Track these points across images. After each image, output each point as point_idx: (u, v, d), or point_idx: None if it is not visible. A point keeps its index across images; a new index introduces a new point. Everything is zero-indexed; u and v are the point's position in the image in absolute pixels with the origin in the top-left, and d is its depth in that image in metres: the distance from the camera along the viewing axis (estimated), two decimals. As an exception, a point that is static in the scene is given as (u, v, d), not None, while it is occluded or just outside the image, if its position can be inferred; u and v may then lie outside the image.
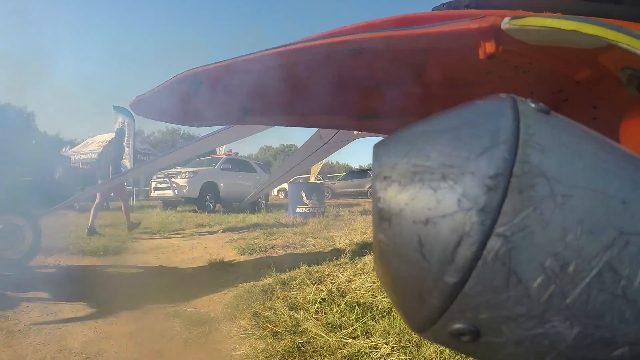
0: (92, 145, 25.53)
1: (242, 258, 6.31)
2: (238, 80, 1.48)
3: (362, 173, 31.22)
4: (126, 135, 17.79)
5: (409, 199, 0.47)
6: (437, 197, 0.45)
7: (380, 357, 2.68)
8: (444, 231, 0.44)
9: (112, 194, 10.12)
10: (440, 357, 2.61)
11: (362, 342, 2.86)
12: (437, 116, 0.55)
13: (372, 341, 2.86)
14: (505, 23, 0.80)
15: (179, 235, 9.06)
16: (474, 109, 0.53)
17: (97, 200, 9.26)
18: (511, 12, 0.91)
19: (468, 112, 0.52)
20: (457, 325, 0.46)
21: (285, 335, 2.99)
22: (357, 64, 1.32)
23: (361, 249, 6.16)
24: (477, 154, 0.46)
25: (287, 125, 2.17)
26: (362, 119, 1.92)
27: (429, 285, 0.46)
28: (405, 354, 2.69)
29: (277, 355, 2.71)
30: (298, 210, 12.73)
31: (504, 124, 0.47)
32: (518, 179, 0.44)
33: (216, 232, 9.46)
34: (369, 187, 27.92)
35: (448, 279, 0.44)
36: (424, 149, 0.49)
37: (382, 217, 0.50)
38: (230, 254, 6.56)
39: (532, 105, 0.51)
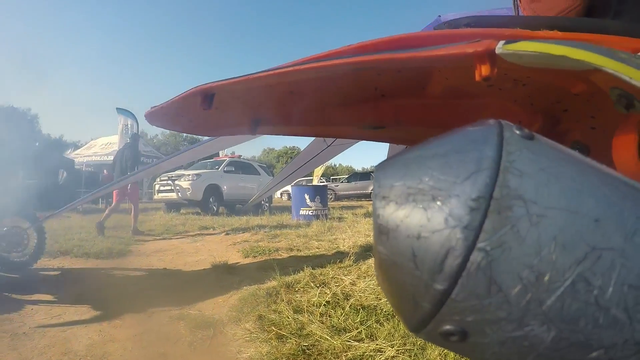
0: (95, 148, 25.67)
1: (246, 261, 6.32)
2: (250, 95, 1.50)
3: (365, 175, 31.27)
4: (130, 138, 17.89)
5: (404, 216, 0.54)
6: (427, 215, 0.52)
7: (385, 360, 2.68)
8: (433, 245, 0.51)
9: (127, 197, 10.19)
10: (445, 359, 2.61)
11: (366, 345, 2.86)
12: (430, 142, 0.62)
13: (376, 344, 2.86)
14: (499, 48, 0.84)
15: (183, 238, 9.06)
16: (462, 136, 0.59)
17: (114, 201, 9.62)
18: (508, 31, 0.93)
19: (457, 139, 0.58)
20: (447, 327, 0.52)
21: (290, 338, 2.99)
22: (362, 78, 1.34)
23: (365, 252, 6.16)
24: (462, 179, 0.52)
25: (296, 135, 2.20)
26: (368, 129, 1.96)
27: (422, 291, 0.52)
28: (410, 356, 2.69)
29: (282, 358, 2.71)
30: (301, 212, 12.75)
31: (487, 151, 0.53)
32: (497, 201, 0.50)
33: (220, 234, 9.47)
34: (372, 189, 27.91)
35: (437, 286, 0.51)
36: (418, 173, 0.56)
37: (381, 232, 0.57)
38: (234, 257, 6.56)
39: (517, 132, 0.56)
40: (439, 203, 0.52)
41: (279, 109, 1.76)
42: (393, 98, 1.53)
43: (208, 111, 1.52)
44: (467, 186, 0.51)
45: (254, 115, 1.80)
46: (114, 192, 9.80)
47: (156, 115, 1.82)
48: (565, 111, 1.27)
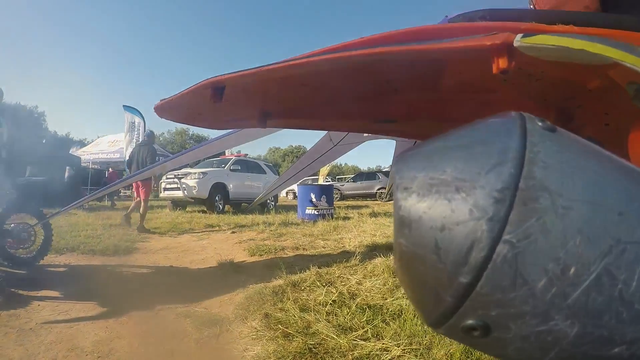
0: (102, 145, 25.72)
1: (252, 259, 6.32)
2: (261, 87, 1.50)
3: (370, 175, 31.22)
4: (136, 134, 17.95)
5: (427, 207, 0.54)
6: (451, 206, 0.52)
7: (391, 359, 2.68)
8: (457, 237, 0.50)
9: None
10: (451, 359, 2.60)
11: (373, 344, 2.85)
12: (452, 133, 0.61)
13: (383, 343, 2.85)
14: (517, 41, 0.84)
15: (189, 236, 9.08)
16: (485, 127, 0.58)
17: (141, 197, 9.96)
18: (524, 25, 0.92)
19: (480, 131, 0.58)
20: (470, 322, 0.52)
21: (297, 337, 2.99)
22: (375, 71, 1.33)
23: (371, 251, 6.16)
24: (487, 170, 0.52)
25: (306, 129, 2.20)
26: (380, 122, 1.95)
27: (445, 285, 0.52)
28: (416, 356, 2.68)
29: (288, 357, 2.71)
30: (307, 211, 12.74)
31: (512, 142, 0.52)
32: (523, 192, 0.49)
33: (226, 233, 9.48)
34: (378, 189, 27.95)
35: (462, 279, 0.50)
36: (440, 164, 0.56)
37: (403, 223, 0.56)
38: (240, 255, 6.57)
39: (540, 123, 0.56)
40: (463, 194, 0.51)
41: (290, 102, 1.76)
42: (405, 92, 1.52)
43: (218, 104, 1.52)
44: (491, 177, 0.51)
45: (264, 108, 1.80)
46: (137, 186, 10.19)
47: (166, 108, 1.83)
48: (579, 107, 1.26)
